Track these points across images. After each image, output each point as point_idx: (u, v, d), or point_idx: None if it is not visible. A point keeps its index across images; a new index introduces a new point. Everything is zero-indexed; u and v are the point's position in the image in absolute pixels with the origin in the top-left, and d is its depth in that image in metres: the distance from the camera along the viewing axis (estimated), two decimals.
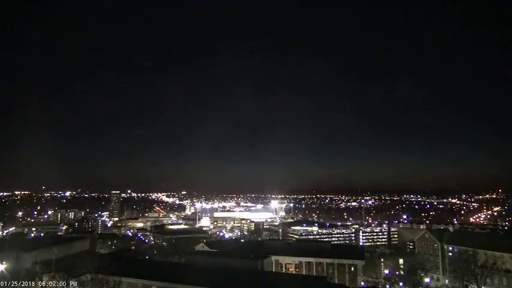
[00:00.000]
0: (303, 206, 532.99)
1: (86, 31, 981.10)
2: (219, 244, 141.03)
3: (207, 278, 68.87)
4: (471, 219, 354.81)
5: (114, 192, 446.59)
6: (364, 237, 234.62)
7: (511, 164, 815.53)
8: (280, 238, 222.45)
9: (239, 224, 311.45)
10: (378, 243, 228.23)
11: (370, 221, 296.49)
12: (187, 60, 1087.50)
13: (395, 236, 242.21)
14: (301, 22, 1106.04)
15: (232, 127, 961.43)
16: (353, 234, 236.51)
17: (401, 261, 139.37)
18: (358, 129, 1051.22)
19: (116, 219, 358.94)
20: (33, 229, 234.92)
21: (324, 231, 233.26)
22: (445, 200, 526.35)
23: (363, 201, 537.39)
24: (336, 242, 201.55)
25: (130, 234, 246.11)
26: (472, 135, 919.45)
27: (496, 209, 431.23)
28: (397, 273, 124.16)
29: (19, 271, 75.14)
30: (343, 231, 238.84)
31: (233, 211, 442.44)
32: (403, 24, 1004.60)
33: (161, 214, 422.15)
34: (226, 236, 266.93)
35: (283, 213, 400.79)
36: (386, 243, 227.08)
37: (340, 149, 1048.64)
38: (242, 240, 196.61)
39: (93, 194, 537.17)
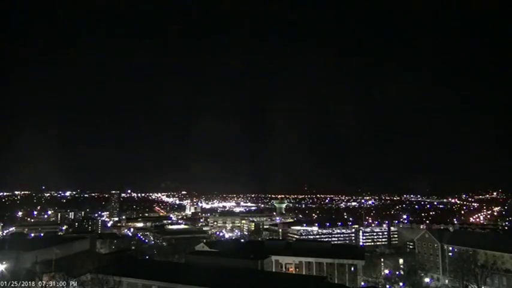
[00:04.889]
0: (303, 206, 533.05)
1: (86, 31, 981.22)
2: (219, 244, 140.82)
3: (207, 278, 68.96)
4: (471, 219, 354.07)
5: (114, 192, 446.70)
6: (364, 237, 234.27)
7: (511, 164, 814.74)
8: (280, 238, 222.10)
9: (239, 224, 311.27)
10: (378, 243, 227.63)
11: (370, 221, 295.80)
12: (188, 59, 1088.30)
13: (396, 236, 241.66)
14: (303, 22, 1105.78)
15: (232, 127, 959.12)
16: (353, 234, 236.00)
17: (401, 261, 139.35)
18: (358, 129, 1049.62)
19: (116, 219, 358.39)
20: (33, 229, 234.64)
21: (324, 231, 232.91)
22: (445, 200, 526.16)
23: (363, 201, 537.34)
24: (336, 242, 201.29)
25: (130, 234, 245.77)
26: (472, 135, 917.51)
27: (496, 209, 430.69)
28: (397, 273, 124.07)
29: (19, 271, 75.07)
30: (343, 231, 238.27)
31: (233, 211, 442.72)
32: (403, 23, 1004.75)
33: (161, 214, 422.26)
34: (226, 236, 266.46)
35: (283, 213, 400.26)
36: (386, 243, 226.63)
37: (340, 148, 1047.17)
38: (242, 240, 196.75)
39: (93, 194, 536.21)
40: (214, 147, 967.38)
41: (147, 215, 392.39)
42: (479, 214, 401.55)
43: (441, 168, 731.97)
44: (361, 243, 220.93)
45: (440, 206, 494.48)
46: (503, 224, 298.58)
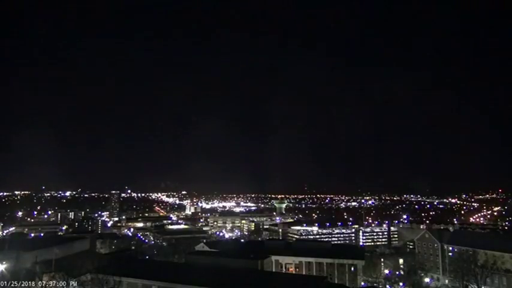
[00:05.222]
0: (303, 206, 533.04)
1: (86, 31, 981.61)
2: (219, 244, 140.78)
3: (207, 278, 68.94)
4: (471, 219, 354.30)
5: (114, 192, 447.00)
6: (364, 237, 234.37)
7: (511, 164, 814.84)
8: (280, 238, 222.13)
9: (239, 224, 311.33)
10: (378, 243, 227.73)
11: (370, 221, 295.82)
12: (187, 59, 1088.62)
13: (396, 236, 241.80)
14: (301, 22, 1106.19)
15: (232, 127, 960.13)
16: (353, 234, 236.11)
17: (401, 261, 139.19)
18: (358, 129, 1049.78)
19: (116, 219, 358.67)
20: (33, 229, 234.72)
21: (324, 231, 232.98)
22: (445, 200, 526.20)
23: (363, 201, 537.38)
24: (336, 242, 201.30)
25: (130, 234, 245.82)
26: (472, 135, 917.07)
27: (496, 209, 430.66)
28: (397, 273, 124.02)
29: (19, 271, 74.99)
30: (343, 231, 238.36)
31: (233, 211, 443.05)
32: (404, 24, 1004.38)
33: (161, 214, 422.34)
34: (226, 236, 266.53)
35: (283, 213, 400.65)
36: (386, 243, 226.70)
37: (340, 148, 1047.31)
38: (242, 240, 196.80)
39: (93, 194, 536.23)
40: (214, 147, 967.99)
41: (147, 215, 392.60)
42: (479, 214, 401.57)
43: (441, 168, 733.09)
44: (361, 243, 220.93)
45: (440, 206, 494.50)
46: (503, 224, 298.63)
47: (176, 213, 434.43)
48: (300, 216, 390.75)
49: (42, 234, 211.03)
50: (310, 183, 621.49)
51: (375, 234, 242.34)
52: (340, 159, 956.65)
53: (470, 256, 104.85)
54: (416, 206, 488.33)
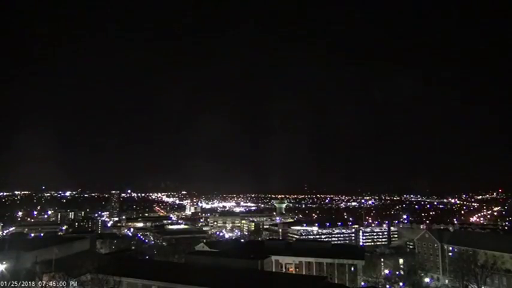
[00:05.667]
0: (303, 206, 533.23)
1: (86, 31, 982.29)
2: (219, 244, 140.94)
3: (207, 278, 68.99)
4: (471, 219, 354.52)
5: (114, 192, 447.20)
6: (364, 237, 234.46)
7: (511, 164, 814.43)
8: (280, 238, 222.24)
9: (239, 224, 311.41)
10: (378, 243, 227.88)
11: (370, 221, 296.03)
12: (187, 59, 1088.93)
13: (396, 236, 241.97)
14: (302, 22, 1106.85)
15: (232, 127, 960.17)
16: (353, 234, 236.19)
17: (401, 261, 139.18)
18: (358, 129, 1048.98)
19: (116, 219, 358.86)
20: (33, 229, 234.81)
21: (324, 231, 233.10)
22: (445, 200, 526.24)
23: (363, 201, 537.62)
24: (336, 242, 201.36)
25: (130, 234, 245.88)
26: (472, 135, 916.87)
27: (496, 209, 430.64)
28: (397, 273, 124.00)
29: (19, 271, 74.94)
30: (343, 231, 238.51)
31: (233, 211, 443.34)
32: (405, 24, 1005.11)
33: (161, 214, 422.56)
34: (226, 236, 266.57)
35: (283, 213, 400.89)
36: (386, 243, 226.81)
37: (340, 148, 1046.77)
38: (242, 240, 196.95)
39: (93, 194, 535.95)
40: (214, 147, 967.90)
41: (147, 215, 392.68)
42: (479, 214, 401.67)
43: (441, 168, 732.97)
44: (361, 243, 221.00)
45: (440, 206, 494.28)
46: (503, 224, 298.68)
47: (176, 213, 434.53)
48: (300, 216, 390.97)
49: (42, 234, 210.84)
50: (310, 183, 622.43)
51: (375, 234, 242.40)
52: (340, 159, 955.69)
53: (470, 256, 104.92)
54: (416, 206, 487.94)
